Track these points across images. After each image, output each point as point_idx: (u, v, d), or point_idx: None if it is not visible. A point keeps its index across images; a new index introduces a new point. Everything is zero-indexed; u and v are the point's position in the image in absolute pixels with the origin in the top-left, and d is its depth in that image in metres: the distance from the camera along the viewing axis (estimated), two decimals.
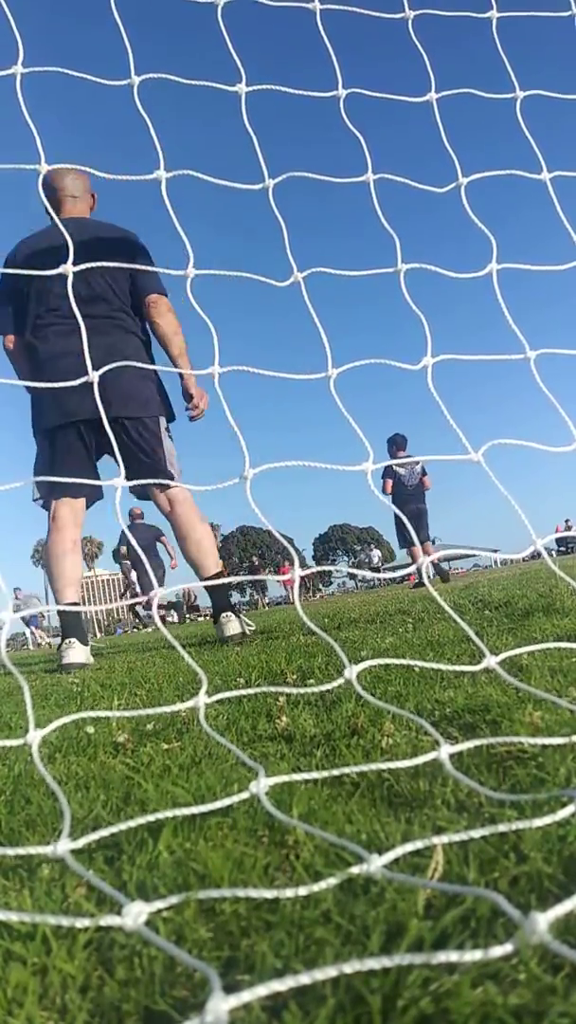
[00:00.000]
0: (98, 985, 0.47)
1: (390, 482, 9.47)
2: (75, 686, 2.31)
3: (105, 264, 1.53)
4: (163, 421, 3.27)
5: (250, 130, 1.47)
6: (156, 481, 3.02)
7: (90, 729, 1.28)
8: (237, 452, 1.11)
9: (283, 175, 1.44)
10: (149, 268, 3.07)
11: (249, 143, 1.46)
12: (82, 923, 0.52)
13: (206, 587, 3.52)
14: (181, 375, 3.22)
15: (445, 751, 0.76)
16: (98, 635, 16.80)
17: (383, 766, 0.79)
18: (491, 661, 0.93)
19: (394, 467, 9.55)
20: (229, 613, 3.18)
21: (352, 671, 0.88)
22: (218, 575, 3.33)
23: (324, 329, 1.27)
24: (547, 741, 0.81)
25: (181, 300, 1.28)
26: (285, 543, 1.01)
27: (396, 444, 9.41)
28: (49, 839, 0.73)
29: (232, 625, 3.13)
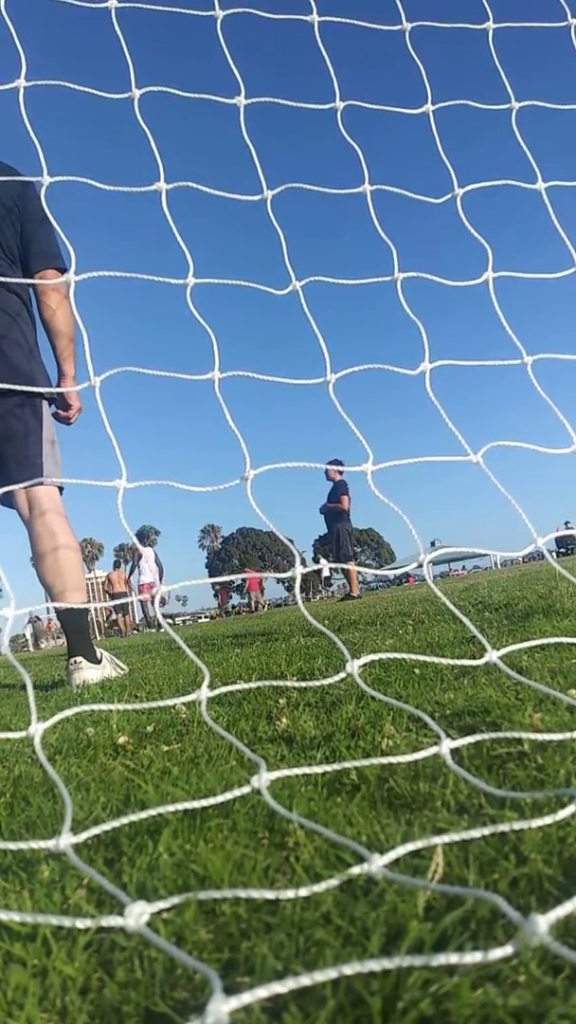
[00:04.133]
0: (98, 987, 0.47)
1: (346, 499, 10.00)
2: (76, 688, 2.31)
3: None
4: (45, 405, 2.67)
5: (249, 143, 1.47)
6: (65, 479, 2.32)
7: (90, 731, 1.28)
8: (235, 447, 1.11)
9: (281, 187, 1.44)
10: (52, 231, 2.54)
11: (248, 154, 1.46)
12: (84, 924, 0.52)
13: (62, 624, 2.68)
14: (60, 376, 2.69)
15: (446, 746, 0.76)
16: (98, 637, 16.80)
17: (385, 760, 0.79)
18: (493, 656, 0.93)
19: (348, 486, 10.14)
20: (79, 659, 2.49)
21: (354, 665, 0.89)
22: (81, 613, 2.66)
23: (322, 335, 1.27)
24: (547, 737, 0.81)
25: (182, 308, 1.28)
26: (286, 541, 1.01)
27: (335, 469, 9.90)
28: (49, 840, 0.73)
29: (83, 674, 2.46)
